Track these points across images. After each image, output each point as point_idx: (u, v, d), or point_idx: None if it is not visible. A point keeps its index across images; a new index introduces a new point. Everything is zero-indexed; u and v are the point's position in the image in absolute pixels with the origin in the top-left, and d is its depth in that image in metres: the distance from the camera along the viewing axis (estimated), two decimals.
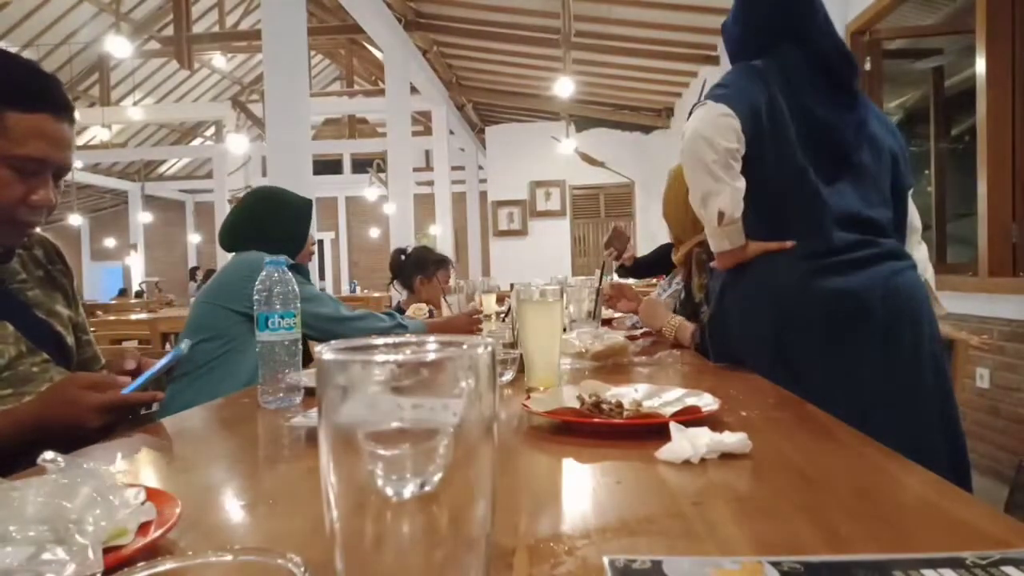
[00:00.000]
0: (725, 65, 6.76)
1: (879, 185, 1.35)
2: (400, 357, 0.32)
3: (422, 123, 9.67)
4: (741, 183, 1.25)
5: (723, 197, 1.24)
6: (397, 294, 3.12)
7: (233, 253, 1.85)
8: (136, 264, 15.09)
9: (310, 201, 1.97)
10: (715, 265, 1.41)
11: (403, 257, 3.02)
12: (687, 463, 0.67)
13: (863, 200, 1.31)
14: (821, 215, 1.27)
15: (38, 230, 1.06)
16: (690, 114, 1.30)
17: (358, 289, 12.39)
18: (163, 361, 0.98)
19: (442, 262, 2.99)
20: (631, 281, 2.70)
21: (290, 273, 1.09)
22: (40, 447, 0.85)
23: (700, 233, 1.55)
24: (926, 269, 1.44)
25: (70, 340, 1.10)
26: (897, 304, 1.23)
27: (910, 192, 1.43)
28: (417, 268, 2.94)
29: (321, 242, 14.43)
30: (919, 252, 1.45)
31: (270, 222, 1.84)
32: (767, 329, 1.28)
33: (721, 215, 1.25)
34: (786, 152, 1.28)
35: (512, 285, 2.08)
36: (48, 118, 0.94)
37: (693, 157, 1.26)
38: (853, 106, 1.33)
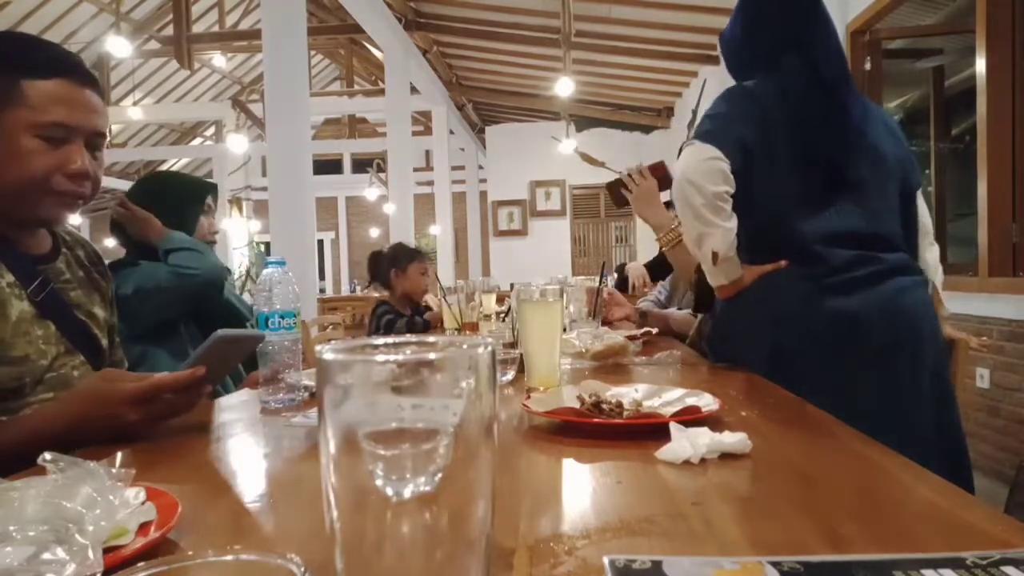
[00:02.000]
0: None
1: (883, 195, 1.33)
2: (400, 357, 0.32)
3: (422, 123, 9.66)
4: (732, 223, 1.28)
5: (715, 239, 1.27)
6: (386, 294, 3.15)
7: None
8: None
9: (199, 184, 1.77)
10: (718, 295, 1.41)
11: (379, 258, 3.08)
12: (687, 463, 0.67)
13: (866, 216, 1.29)
14: (814, 237, 1.26)
15: (75, 226, 1.04)
16: (680, 151, 1.33)
17: (358, 289, 12.38)
18: (207, 343, 0.93)
19: (416, 254, 3.02)
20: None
21: (291, 273, 1.09)
22: (78, 446, 0.83)
23: None
24: (936, 272, 1.42)
25: (104, 343, 1.09)
26: (896, 326, 1.22)
27: (919, 192, 1.41)
28: (392, 263, 3.00)
29: (321, 242, 14.41)
30: (931, 254, 1.43)
31: (147, 203, 1.62)
32: (765, 348, 1.28)
33: (715, 255, 1.28)
34: (776, 178, 1.29)
35: (512, 285, 2.06)
36: (65, 83, 0.94)
37: (683, 202, 1.29)
38: (850, 118, 1.31)
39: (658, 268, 2.66)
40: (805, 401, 0.98)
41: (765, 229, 1.31)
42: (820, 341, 1.23)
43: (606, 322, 2.13)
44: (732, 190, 1.26)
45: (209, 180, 1.85)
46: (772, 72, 1.34)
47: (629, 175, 1.76)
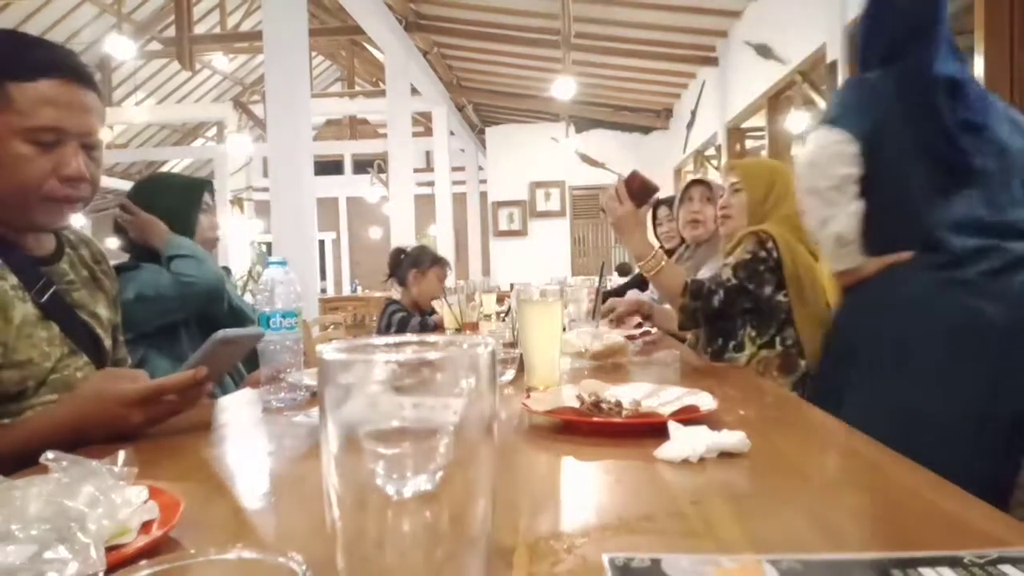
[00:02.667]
0: (724, 66, 6.71)
1: (1008, 188, 1.31)
2: (401, 357, 0.32)
3: (422, 124, 9.66)
4: (856, 206, 1.28)
5: (839, 221, 1.28)
6: (396, 293, 3.15)
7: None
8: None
9: (193, 182, 1.75)
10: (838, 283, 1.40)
11: (402, 256, 3.06)
12: (686, 462, 0.67)
13: (992, 205, 1.28)
14: (938, 224, 1.26)
15: (79, 226, 1.02)
16: (803, 141, 1.33)
17: (359, 289, 12.38)
18: (207, 344, 0.93)
19: (438, 260, 3.03)
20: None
21: (293, 273, 1.10)
22: (80, 446, 0.83)
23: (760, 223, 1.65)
24: None
25: (108, 343, 1.08)
26: (1019, 322, 1.19)
27: None
28: (414, 263, 2.99)
29: (322, 242, 14.39)
30: None
31: (144, 207, 1.61)
32: (888, 338, 1.27)
33: (839, 238, 1.29)
34: (899, 166, 1.29)
35: (512, 285, 2.05)
36: (55, 84, 0.91)
37: (808, 184, 1.30)
38: (966, 113, 1.31)
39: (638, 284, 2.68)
40: (923, 411, 0.99)
41: (890, 215, 1.30)
42: (943, 333, 1.23)
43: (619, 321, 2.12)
44: (859, 173, 1.27)
45: (204, 178, 1.83)
46: (890, 66, 1.34)
47: (615, 188, 1.65)
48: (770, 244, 1.60)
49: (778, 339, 1.62)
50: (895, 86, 1.32)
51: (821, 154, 1.28)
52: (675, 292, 1.59)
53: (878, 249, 1.32)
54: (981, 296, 1.22)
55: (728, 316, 1.61)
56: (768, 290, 1.60)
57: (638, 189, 1.58)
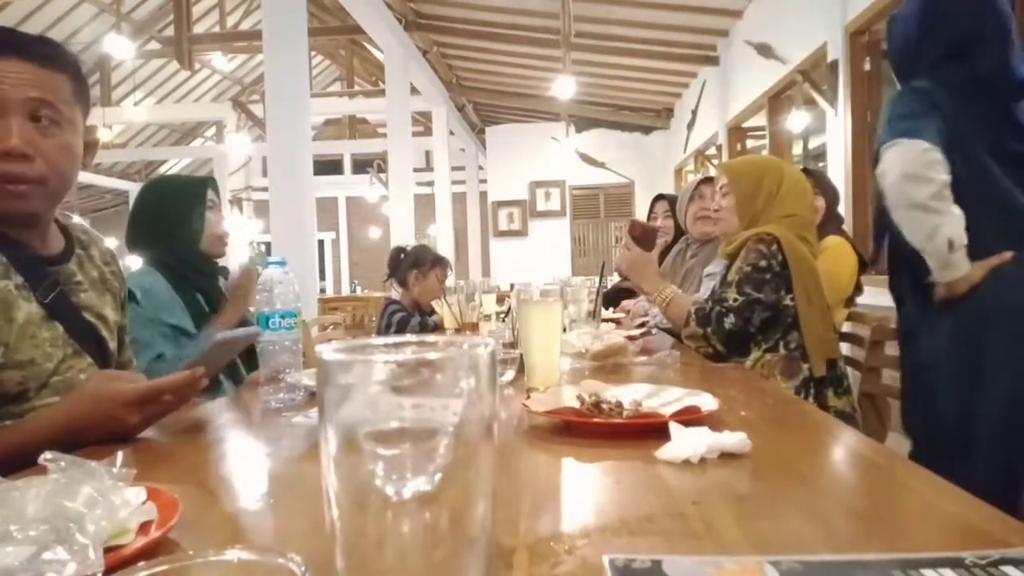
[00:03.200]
0: (725, 66, 6.69)
1: None
2: (401, 357, 0.32)
3: (422, 123, 9.66)
4: (958, 209, 1.28)
5: (949, 226, 1.28)
6: (395, 293, 3.15)
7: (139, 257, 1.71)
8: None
9: (196, 181, 1.74)
10: (942, 295, 1.38)
11: (402, 255, 3.06)
12: (687, 463, 0.67)
13: None
14: None
15: (78, 221, 1.00)
16: (876, 157, 1.32)
17: (358, 289, 12.38)
18: (206, 346, 0.94)
19: (439, 261, 3.03)
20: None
21: (292, 273, 1.09)
22: (78, 447, 0.82)
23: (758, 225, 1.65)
24: None
25: (113, 345, 1.08)
26: None
27: None
28: (414, 264, 2.99)
29: (321, 242, 14.41)
30: None
31: (150, 213, 1.66)
32: (1017, 343, 1.27)
33: (951, 244, 1.28)
34: (974, 168, 1.30)
35: (512, 285, 2.06)
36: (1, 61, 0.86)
37: (907, 198, 1.28)
38: None
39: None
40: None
41: (979, 216, 1.30)
42: None
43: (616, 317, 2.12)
44: (950, 180, 1.28)
45: (207, 175, 1.83)
46: (945, 70, 1.34)
47: (624, 241, 1.80)
48: (774, 247, 1.59)
49: (782, 343, 1.62)
50: (951, 91, 1.32)
51: (915, 165, 1.28)
52: (681, 320, 1.64)
53: (973, 253, 1.32)
54: None
55: (747, 332, 1.61)
56: (780, 293, 1.60)
57: (640, 234, 1.78)
